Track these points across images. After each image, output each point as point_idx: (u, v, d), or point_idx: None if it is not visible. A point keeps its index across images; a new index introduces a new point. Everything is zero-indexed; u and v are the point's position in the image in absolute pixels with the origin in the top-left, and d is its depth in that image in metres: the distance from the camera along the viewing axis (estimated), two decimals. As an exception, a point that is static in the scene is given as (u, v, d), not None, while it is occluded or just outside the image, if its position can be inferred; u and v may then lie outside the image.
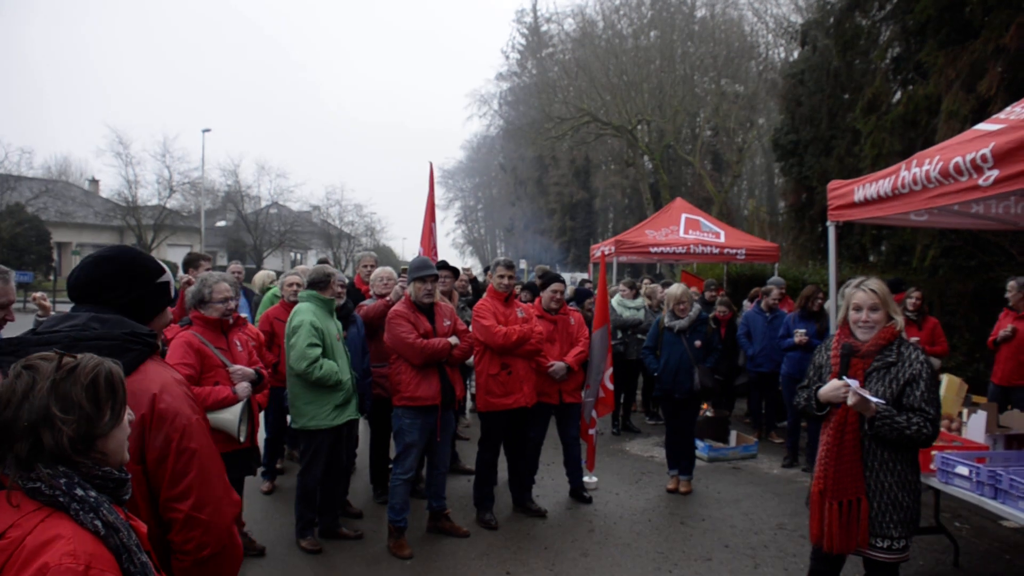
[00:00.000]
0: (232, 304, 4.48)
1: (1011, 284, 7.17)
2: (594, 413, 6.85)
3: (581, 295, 9.30)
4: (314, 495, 5.43)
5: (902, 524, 3.48)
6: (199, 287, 4.46)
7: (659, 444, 8.70)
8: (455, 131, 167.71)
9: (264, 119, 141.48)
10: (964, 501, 4.36)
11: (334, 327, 5.41)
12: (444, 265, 6.95)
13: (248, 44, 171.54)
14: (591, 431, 6.90)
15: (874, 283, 3.61)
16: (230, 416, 4.22)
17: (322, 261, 9.60)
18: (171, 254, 44.51)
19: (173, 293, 2.33)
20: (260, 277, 8.47)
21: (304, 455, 5.44)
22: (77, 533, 1.54)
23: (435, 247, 7.81)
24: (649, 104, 31.45)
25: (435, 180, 8.23)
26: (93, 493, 1.62)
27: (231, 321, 4.52)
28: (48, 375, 1.61)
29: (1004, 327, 7.15)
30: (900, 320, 3.55)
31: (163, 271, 2.29)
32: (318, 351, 5.14)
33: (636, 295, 9.81)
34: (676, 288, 7.20)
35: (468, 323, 6.12)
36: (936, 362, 7.36)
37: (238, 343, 4.59)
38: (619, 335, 9.24)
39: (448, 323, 5.63)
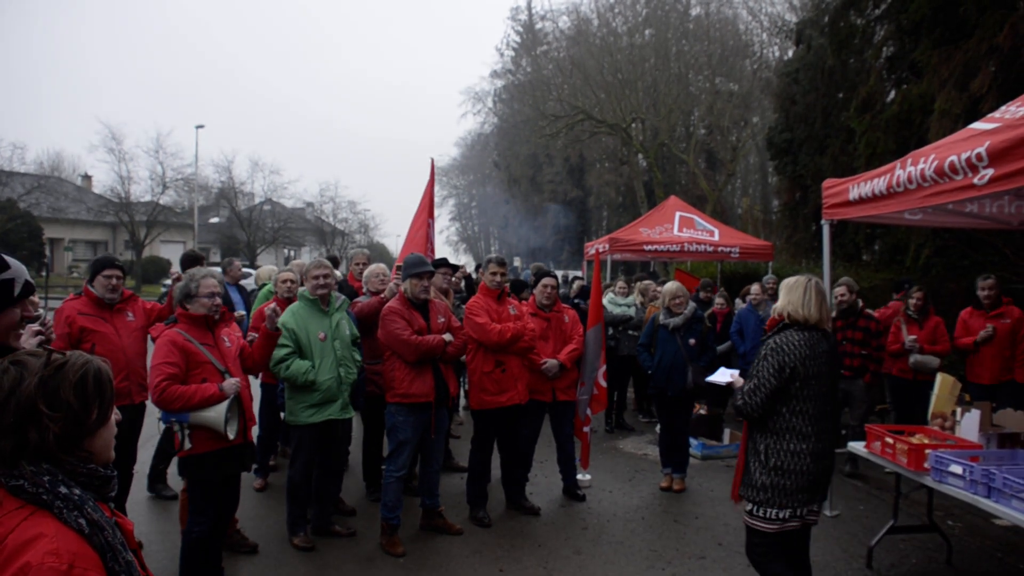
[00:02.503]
0: (218, 300, 4.44)
1: (986, 283, 7.16)
2: (588, 411, 6.84)
3: (586, 292, 9.32)
4: (299, 490, 5.42)
5: (745, 486, 3.95)
6: (186, 282, 4.42)
7: (652, 442, 8.71)
8: (449, 128, 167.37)
9: (258, 116, 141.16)
10: (957, 500, 4.37)
11: (320, 326, 5.37)
12: (444, 262, 6.94)
13: (242, 40, 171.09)
14: (585, 429, 6.89)
15: (792, 278, 4.04)
16: (214, 415, 4.19)
17: (329, 258, 9.57)
18: (164, 250, 44.40)
19: (16, 293, 2.24)
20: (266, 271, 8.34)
21: (291, 450, 5.53)
22: (60, 531, 1.52)
23: (432, 244, 7.74)
24: (643, 102, 31.43)
25: (433, 168, 8.08)
26: (77, 491, 1.60)
27: (217, 316, 4.47)
28: (36, 371, 1.60)
29: (973, 328, 7.19)
30: (782, 310, 3.94)
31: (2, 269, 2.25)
32: (284, 351, 5.15)
33: (629, 292, 9.81)
34: (672, 284, 7.20)
35: (461, 320, 6.10)
36: (935, 361, 7.36)
37: (226, 338, 4.54)
38: (609, 331, 9.23)
39: (442, 320, 5.61)
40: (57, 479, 1.58)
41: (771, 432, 3.83)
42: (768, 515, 3.81)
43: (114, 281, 5.24)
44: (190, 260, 6.97)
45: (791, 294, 3.90)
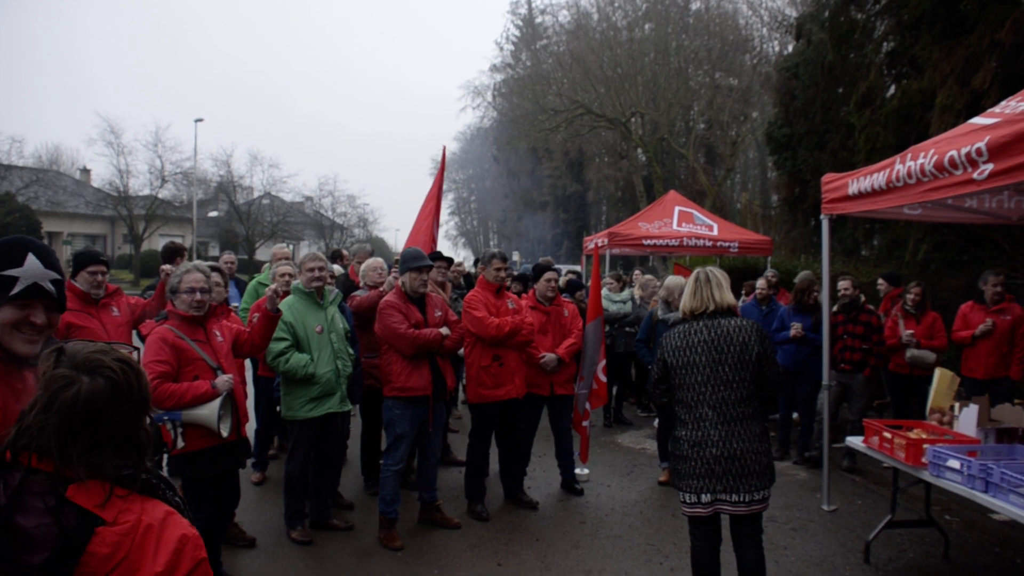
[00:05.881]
0: (199, 296, 4.29)
1: (997, 279, 7.15)
2: (588, 405, 6.84)
3: (572, 286, 9.30)
4: (298, 484, 5.41)
5: None
6: (172, 277, 4.36)
7: (651, 436, 8.71)
8: (448, 122, 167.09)
9: (256, 110, 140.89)
10: (955, 494, 4.37)
11: (317, 319, 5.36)
12: (439, 256, 6.93)
13: (241, 35, 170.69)
14: (585, 423, 6.88)
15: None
16: (207, 412, 4.13)
17: (335, 252, 9.54)
18: (162, 244, 44.28)
19: (13, 292, 2.02)
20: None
21: (289, 444, 5.50)
22: (173, 510, 1.63)
23: (435, 236, 7.71)
24: (643, 97, 31.40)
25: (428, 172, 8.16)
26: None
27: (202, 313, 4.37)
28: (143, 371, 1.70)
29: (973, 322, 7.18)
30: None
31: (11, 265, 2.03)
32: (283, 345, 5.14)
33: (623, 288, 9.79)
34: (679, 279, 7.12)
35: (459, 314, 6.10)
36: (932, 356, 7.36)
37: (218, 333, 4.47)
38: (606, 328, 9.22)
39: (439, 314, 5.61)
40: (152, 466, 1.69)
41: (669, 420, 4.13)
42: (679, 497, 4.05)
43: (99, 277, 5.12)
44: (170, 253, 6.93)
45: None
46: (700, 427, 3.88)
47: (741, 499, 3.84)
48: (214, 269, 5.22)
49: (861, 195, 5.45)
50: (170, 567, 1.51)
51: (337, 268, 7.63)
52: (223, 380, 4.26)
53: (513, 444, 6.31)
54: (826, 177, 6.14)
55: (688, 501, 3.96)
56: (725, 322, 3.93)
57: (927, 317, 7.60)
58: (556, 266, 8.32)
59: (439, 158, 8.44)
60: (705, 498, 3.88)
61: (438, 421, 5.67)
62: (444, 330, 5.48)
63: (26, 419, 1.57)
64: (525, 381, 6.10)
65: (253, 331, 4.80)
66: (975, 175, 4.07)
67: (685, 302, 4.09)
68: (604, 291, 9.55)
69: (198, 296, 4.28)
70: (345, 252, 9.90)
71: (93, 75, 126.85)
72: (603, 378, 6.94)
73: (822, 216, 6.20)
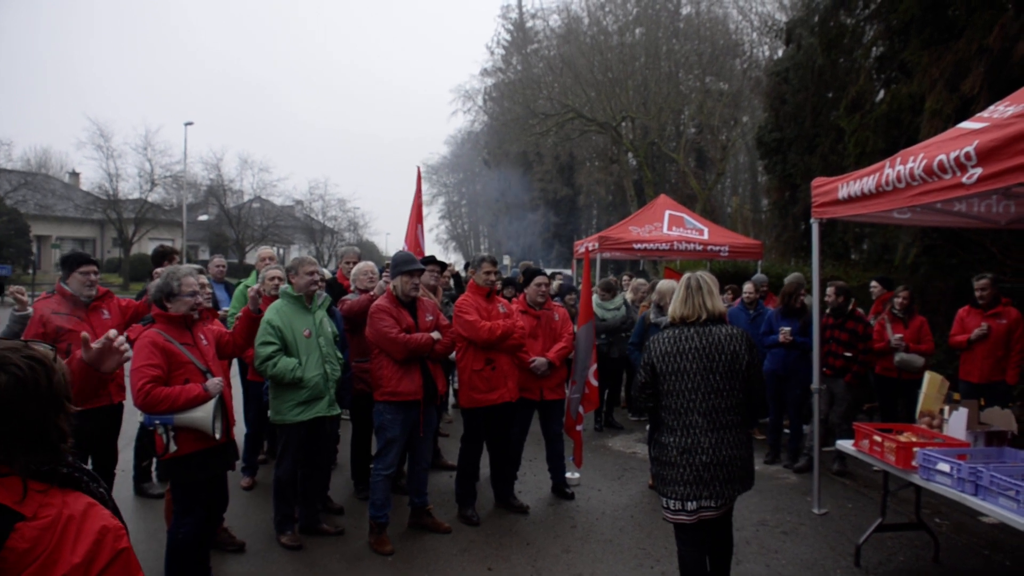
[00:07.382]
0: (199, 299, 4.34)
1: (980, 283, 7.20)
2: (581, 409, 6.82)
3: (563, 290, 9.30)
4: (287, 489, 5.39)
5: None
6: (166, 280, 4.29)
7: (642, 440, 8.70)
8: (439, 126, 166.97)
9: (247, 113, 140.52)
10: (945, 497, 4.38)
11: (304, 323, 5.33)
12: (431, 260, 6.92)
13: (231, 37, 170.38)
14: (578, 427, 6.86)
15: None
16: (202, 414, 4.12)
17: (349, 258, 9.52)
18: (152, 248, 44.07)
19: None
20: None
21: (277, 449, 5.47)
22: (95, 501, 1.62)
23: (422, 247, 7.75)
24: (634, 101, 31.48)
25: (420, 176, 8.21)
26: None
27: (196, 316, 4.38)
28: (59, 369, 1.68)
29: (969, 326, 7.22)
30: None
31: None
32: (270, 349, 5.11)
33: (613, 295, 9.79)
34: (670, 282, 7.11)
35: (450, 318, 6.08)
36: (920, 360, 7.39)
37: (203, 337, 4.46)
38: (602, 336, 9.21)
39: (430, 318, 5.59)
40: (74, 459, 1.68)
41: (655, 424, 4.15)
42: (663, 503, 4.02)
43: (92, 277, 5.09)
44: (161, 256, 6.88)
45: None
46: (689, 434, 3.87)
47: (723, 503, 3.90)
48: (199, 272, 5.21)
49: (851, 199, 5.46)
50: (89, 558, 1.50)
51: (326, 272, 7.61)
52: (214, 383, 4.25)
53: (504, 448, 6.29)
54: (816, 181, 6.15)
55: (672, 508, 3.95)
56: (716, 330, 3.93)
57: (915, 321, 7.63)
58: (550, 270, 8.31)
59: (431, 161, 8.54)
60: (690, 506, 3.88)
61: (429, 425, 5.65)
62: (435, 334, 5.47)
63: None
64: (518, 385, 6.09)
65: (236, 331, 4.79)
66: (964, 179, 4.08)
67: (675, 309, 4.05)
68: (595, 299, 9.54)
69: (199, 298, 4.32)
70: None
71: (84, 77, 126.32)
72: (595, 382, 6.93)
73: (812, 220, 6.21)
